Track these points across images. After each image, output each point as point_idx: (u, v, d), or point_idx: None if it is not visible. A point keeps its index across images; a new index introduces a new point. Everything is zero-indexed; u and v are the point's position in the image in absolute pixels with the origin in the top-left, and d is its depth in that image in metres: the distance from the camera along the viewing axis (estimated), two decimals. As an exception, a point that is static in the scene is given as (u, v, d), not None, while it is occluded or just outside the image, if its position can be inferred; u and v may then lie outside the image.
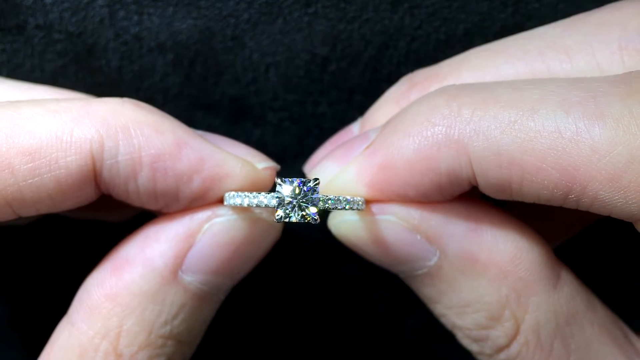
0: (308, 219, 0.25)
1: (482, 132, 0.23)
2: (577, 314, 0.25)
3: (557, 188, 0.23)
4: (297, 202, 0.25)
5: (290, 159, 0.34)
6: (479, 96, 0.24)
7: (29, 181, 0.24)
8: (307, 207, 0.25)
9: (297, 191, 0.25)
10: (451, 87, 0.25)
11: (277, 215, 0.25)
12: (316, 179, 0.25)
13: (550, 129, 0.22)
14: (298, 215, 0.25)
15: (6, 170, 0.24)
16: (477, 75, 0.27)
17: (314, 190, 0.25)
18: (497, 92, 0.24)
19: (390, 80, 0.32)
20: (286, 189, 0.25)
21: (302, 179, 0.25)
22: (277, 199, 0.25)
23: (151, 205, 0.26)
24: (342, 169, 0.26)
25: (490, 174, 0.23)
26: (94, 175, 0.25)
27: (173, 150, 0.25)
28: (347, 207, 0.25)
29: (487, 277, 0.25)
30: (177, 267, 0.26)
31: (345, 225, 0.27)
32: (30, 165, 0.24)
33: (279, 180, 0.25)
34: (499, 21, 0.32)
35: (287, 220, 0.25)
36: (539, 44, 0.26)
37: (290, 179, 0.25)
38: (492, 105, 0.23)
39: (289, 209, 0.25)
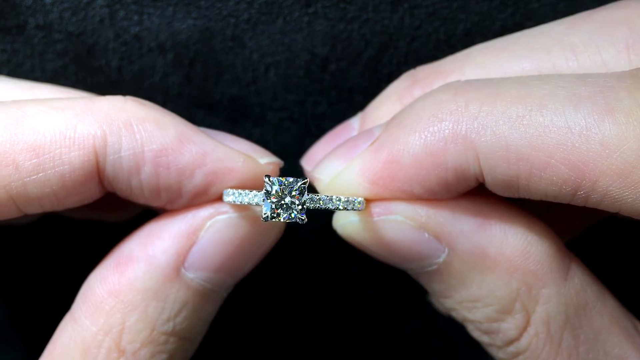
0: (296, 219, 0.25)
1: (490, 127, 0.23)
2: (587, 305, 0.25)
3: (565, 184, 0.22)
4: (285, 201, 0.25)
5: (290, 159, 0.34)
6: (486, 91, 0.24)
7: (33, 177, 0.24)
8: (295, 206, 0.25)
9: (285, 191, 0.25)
10: (457, 83, 0.25)
11: (264, 215, 0.25)
12: (305, 179, 0.25)
13: (559, 124, 0.22)
14: (286, 214, 0.25)
15: (11, 166, 0.24)
16: (480, 73, 0.27)
17: (301, 190, 0.25)
18: (505, 87, 0.23)
19: (390, 80, 0.32)
20: (274, 188, 0.25)
21: (290, 178, 0.25)
22: (265, 198, 0.25)
23: (154, 202, 0.26)
24: (346, 166, 0.26)
25: (498, 170, 0.23)
26: (98, 171, 0.25)
27: (175, 145, 0.25)
28: (341, 207, 0.25)
29: (497, 272, 0.25)
30: (179, 264, 0.25)
31: (351, 226, 0.27)
32: (34, 161, 0.24)
33: (267, 180, 0.25)
34: (499, 21, 0.33)
35: (274, 219, 0.25)
36: (544, 41, 0.26)
37: (278, 178, 0.25)
38: (499, 100, 0.23)
39: (277, 208, 0.25)
